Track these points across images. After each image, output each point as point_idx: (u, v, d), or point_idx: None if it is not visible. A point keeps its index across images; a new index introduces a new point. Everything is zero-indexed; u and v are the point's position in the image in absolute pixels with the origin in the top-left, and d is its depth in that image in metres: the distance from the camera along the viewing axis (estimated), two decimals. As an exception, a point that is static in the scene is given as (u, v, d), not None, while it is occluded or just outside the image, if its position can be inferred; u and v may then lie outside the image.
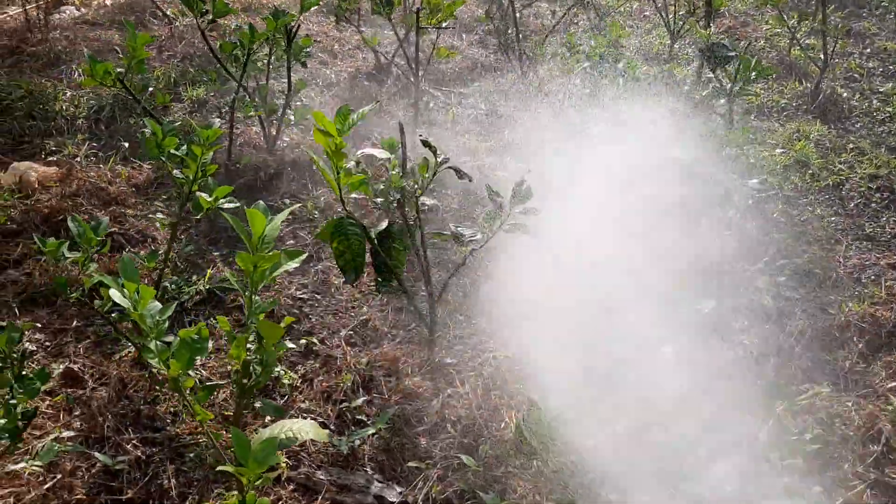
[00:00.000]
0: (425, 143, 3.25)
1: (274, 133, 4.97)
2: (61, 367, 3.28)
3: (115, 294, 2.24)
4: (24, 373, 2.46)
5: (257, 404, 2.51)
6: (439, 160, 3.20)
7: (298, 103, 5.32)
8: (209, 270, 3.93)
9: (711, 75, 4.93)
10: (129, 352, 3.42)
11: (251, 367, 2.28)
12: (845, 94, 5.76)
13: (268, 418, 3.06)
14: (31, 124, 5.17)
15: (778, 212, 4.43)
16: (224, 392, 3.20)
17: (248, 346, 2.33)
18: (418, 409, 3.17)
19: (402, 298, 3.82)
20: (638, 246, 3.60)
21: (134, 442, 2.99)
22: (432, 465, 2.94)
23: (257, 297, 2.29)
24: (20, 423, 2.38)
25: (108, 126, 5.26)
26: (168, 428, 3.09)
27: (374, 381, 3.32)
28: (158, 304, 2.29)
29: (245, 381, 2.24)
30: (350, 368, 3.35)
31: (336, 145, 2.91)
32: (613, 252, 3.47)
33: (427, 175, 3.19)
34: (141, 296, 2.21)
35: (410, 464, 2.95)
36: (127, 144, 4.95)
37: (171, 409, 3.17)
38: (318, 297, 3.86)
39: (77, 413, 3.08)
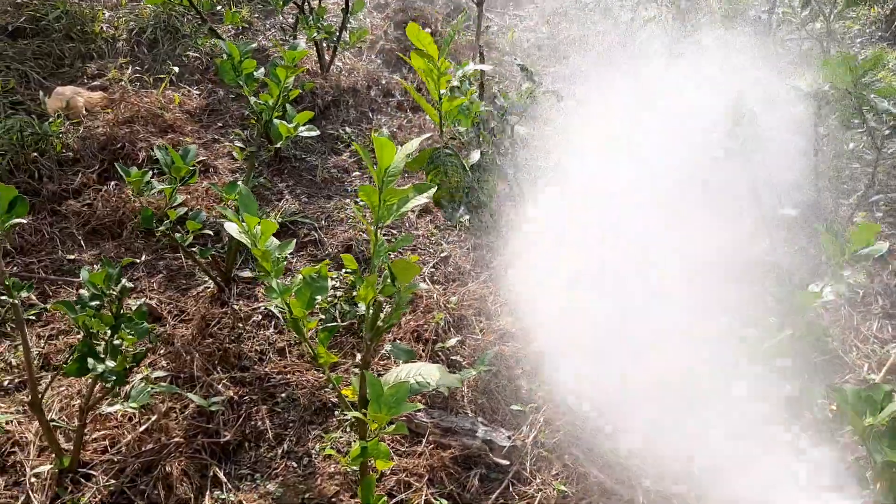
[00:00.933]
0: (523, 69, 3.04)
1: (328, 58, 4.73)
2: (138, 302, 3.13)
3: (232, 228, 2.07)
4: (122, 312, 2.30)
5: (387, 347, 2.36)
6: (535, 84, 3.01)
7: (350, 25, 5.06)
8: (279, 203, 3.76)
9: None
10: (207, 288, 3.27)
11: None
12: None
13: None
14: (70, 46, 4.92)
15: (864, 143, 4.22)
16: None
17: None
18: (515, 350, 3.02)
19: (480, 235, 3.66)
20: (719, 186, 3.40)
21: (224, 382, 2.85)
22: (536, 408, 2.81)
23: (381, 236, 2.11)
24: (128, 366, 2.23)
25: (150, 49, 5.00)
26: (256, 367, 2.95)
27: (465, 320, 3.17)
28: (276, 241, 2.12)
29: (379, 322, 2.08)
30: (439, 307, 3.19)
31: (438, 68, 2.71)
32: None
33: (525, 101, 3.00)
34: (262, 231, 2.04)
35: (514, 407, 2.82)
36: (177, 69, 4.70)
37: (257, 348, 3.03)
38: (395, 231, 3.69)
39: (162, 351, 2.94)
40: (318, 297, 2.14)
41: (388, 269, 2.05)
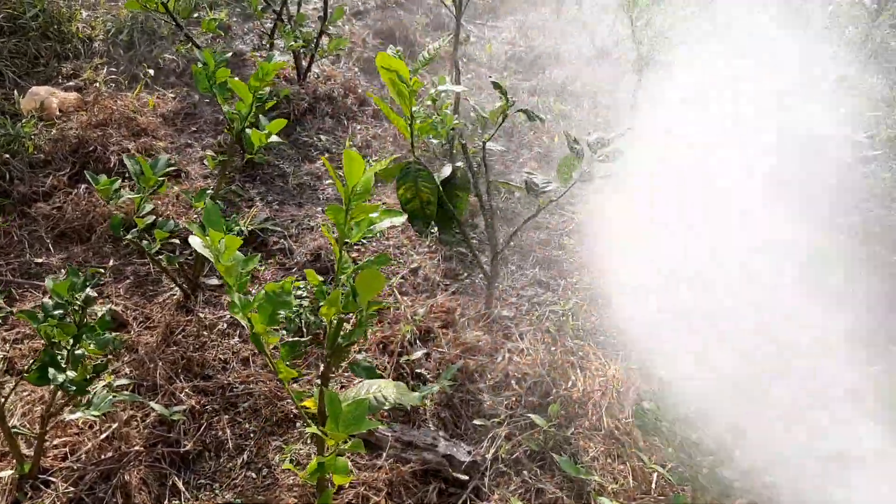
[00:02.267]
0: (496, 86, 3.07)
1: (305, 64, 4.74)
2: (103, 308, 3.13)
3: (196, 242, 2.07)
4: (86, 321, 2.31)
5: (359, 356, 2.38)
6: (508, 103, 3.03)
7: (329, 32, 5.07)
8: (249, 210, 3.76)
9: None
10: (173, 295, 3.27)
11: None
12: (894, 44, 5.58)
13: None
14: (47, 45, 4.90)
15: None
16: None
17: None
18: (480, 365, 3.05)
19: (451, 247, 3.69)
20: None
21: (187, 391, 2.86)
22: (499, 423, 2.84)
23: (346, 254, 2.13)
24: (89, 376, 2.24)
25: (126, 50, 4.99)
26: (219, 376, 2.96)
27: (432, 332, 3.19)
28: (241, 255, 2.13)
29: (339, 340, 2.10)
30: (406, 319, 3.21)
31: (410, 88, 2.72)
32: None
33: (497, 120, 3.02)
34: (226, 246, 2.05)
35: (476, 421, 2.84)
36: (152, 71, 4.70)
37: (221, 357, 3.04)
38: (364, 242, 3.71)
39: (126, 358, 2.94)
40: (281, 313, 2.15)
41: (351, 286, 2.07)
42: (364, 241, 3.69)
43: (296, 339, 2.20)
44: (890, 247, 3.61)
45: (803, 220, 3.02)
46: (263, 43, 4.19)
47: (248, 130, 3.06)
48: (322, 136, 4.39)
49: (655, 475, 2.64)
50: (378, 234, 3.64)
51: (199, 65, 3.11)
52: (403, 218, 2.12)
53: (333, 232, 2.13)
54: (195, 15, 4.67)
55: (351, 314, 2.13)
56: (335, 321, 2.11)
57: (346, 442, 2.08)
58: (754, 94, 3.53)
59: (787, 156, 3.34)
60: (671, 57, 4.35)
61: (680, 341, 2.62)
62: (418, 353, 3.07)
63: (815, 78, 4.07)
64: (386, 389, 2.18)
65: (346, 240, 2.13)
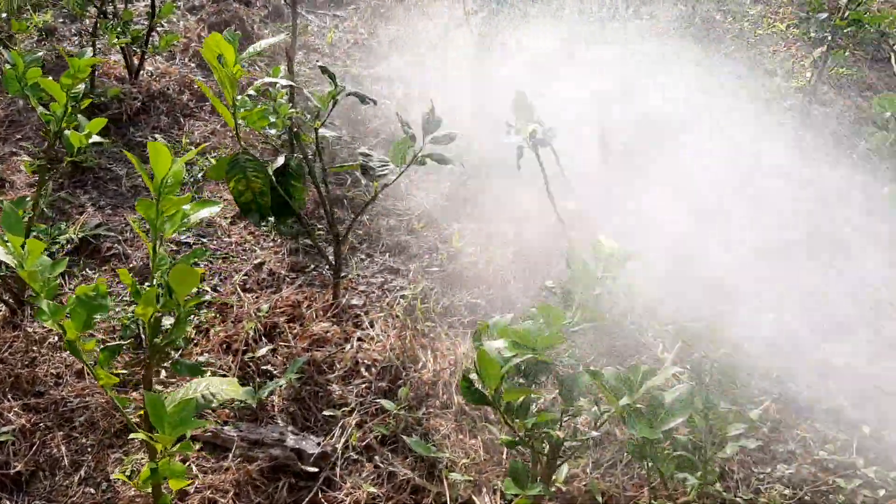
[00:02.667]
0: (324, 70, 3.02)
1: (136, 62, 4.55)
2: (-81, 331, 2.92)
3: (-5, 250, 1.95)
4: None
5: (166, 363, 2.29)
6: (338, 88, 2.99)
7: (162, 28, 4.90)
8: (80, 217, 3.58)
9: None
10: (-2, 310, 3.08)
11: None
12: (718, 17, 5.84)
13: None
14: None
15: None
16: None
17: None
18: (328, 356, 3.00)
19: (298, 239, 3.62)
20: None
21: (16, 409, 2.70)
22: (349, 412, 2.81)
23: (161, 250, 2.05)
24: None
25: (-59, 57, 4.67)
26: (52, 392, 2.81)
27: (277, 328, 3.12)
28: (49, 260, 2.02)
29: (156, 339, 2.01)
30: (249, 316, 3.13)
31: (232, 75, 2.64)
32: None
33: (327, 105, 2.97)
34: (29, 251, 1.93)
35: (325, 412, 2.80)
36: (-32, 78, 4.41)
37: (53, 371, 2.88)
38: (204, 240, 3.59)
39: (-54, 382, 2.75)
40: (98, 316, 2.05)
41: (165, 282, 1.99)
42: (203, 239, 3.57)
43: (115, 344, 2.10)
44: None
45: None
46: (85, 43, 3.98)
47: (66, 133, 2.91)
48: (157, 136, 4.23)
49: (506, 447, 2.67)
50: (219, 230, 3.55)
51: (9, 66, 2.94)
52: (218, 207, 2.06)
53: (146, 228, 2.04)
54: (3, 14, 4.41)
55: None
56: (153, 320, 2.02)
57: (174, 445, 2.00)
58: (591, 69, 3.64)
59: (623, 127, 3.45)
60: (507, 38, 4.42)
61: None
62: (263, 350, 3.00)
63: (637, 52, 4.20)
64: (214, 386, 2.11)
65: (161, 234, 2.05)
